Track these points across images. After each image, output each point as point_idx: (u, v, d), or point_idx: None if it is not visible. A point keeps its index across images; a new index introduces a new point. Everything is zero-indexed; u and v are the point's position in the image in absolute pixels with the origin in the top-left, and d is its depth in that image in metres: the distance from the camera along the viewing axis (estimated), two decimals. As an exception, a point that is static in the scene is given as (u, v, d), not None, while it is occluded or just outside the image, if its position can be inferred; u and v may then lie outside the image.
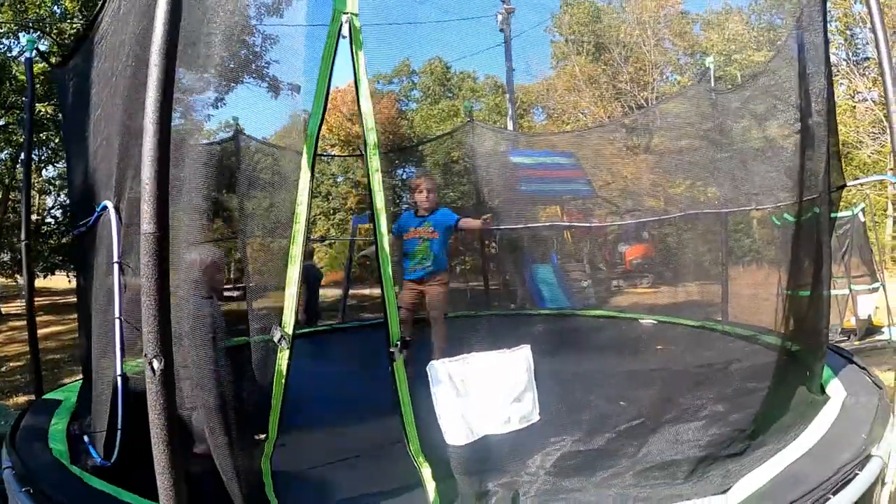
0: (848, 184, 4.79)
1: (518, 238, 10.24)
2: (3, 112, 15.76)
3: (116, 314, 3.35)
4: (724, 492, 2.88)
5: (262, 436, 3.07)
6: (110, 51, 3.83)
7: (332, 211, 31.31)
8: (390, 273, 3.03)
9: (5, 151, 18.81)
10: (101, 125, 3.96)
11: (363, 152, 3.04)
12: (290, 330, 2.94)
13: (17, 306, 23.07)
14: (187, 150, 2.90)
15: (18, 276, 23.86)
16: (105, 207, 3.53)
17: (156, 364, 1.98)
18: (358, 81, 2.98)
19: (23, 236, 5.62)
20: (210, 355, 2.80)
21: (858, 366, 4.57)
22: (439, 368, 3.15)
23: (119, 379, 3.34)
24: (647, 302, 11.20)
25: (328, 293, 18.16)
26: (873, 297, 9.55)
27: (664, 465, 3.11)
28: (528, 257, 11.02)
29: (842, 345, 7.06)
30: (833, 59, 23.80)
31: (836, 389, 4.10)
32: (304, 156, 3.04)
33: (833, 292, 8.67)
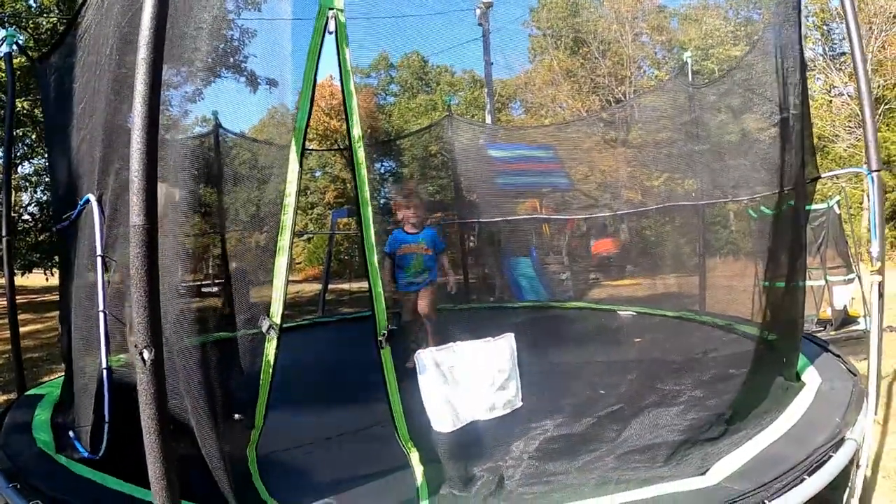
0: (822, 175, 4.88)
1: (497, 231, 10.29)
2: (-24, 107, 15.54)
3: (100, 308, 3.35)
4: (703, 473, 2.96)
5: (239, 416, 3.10)
6: (94, 45, 3.82)
7: (310, 206, 31.26)
8: (376, 262, 3.08)
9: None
10: (84, 119, 3.95)
11: (348, 146, 3.09)
12: (277, 319, 2.98)
13: (-7, 305, 22.76)
14: (165, 144, 2.93)
15: (-6, 275, 23.56)
16: (88, 201, 3.53)
17: (146, 354, 2.00)
18: (344, 76, 3.03)
19: (3, 231, 5.59)
20: (197, 345, 2.83)
21: (833, 354, 4.67)
22: (426, 356, 3.21)
23: (105, 372, 3.34)
24: (623, 294, 11.24)
25: (307, 288, 18.11)
26: (849, 289, 9.66)
27: (644, 449, 3.18)
28: (507, 250, 11.05)
29: (818, 335, 7.16)
30: (810, 53, 24.11)
31: (811, 376, 4.20)
32: (293, 149, 3.08)
33: (809, 283, 8.79)
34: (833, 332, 8.90)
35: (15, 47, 5.58)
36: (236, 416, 3.07)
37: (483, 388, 3.32)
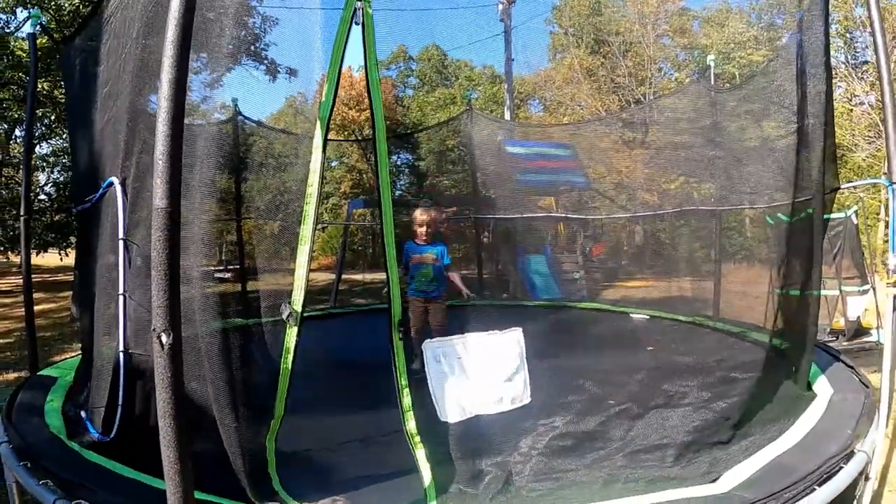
0: (842, 187, 4.85)
1: (512, 228, 10.28)
2: (-2, 88, 15.67)
3: (120, 290, 3.37)
4: (714, 480, 2.95)
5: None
6: (119, 29, 3.84)
7: (325, 195, 31.27)
8: (394, 253, 3.11)
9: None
10: (108, 103, 3.97)
11: (372, 137, 3.11)
12: (299, 308, 2.99)
13: (7, 283, 23.02)
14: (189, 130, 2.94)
15: (10, 254, 23.81)
16: (111, 184, 3.54)
17: (164, 338, 2.00)
18: (370, 68, 3.04)
19: (22, 210, 5.63)
20: (220, 333, 2.84)
21: (846, 365, 4.64)
22: (433, 347, 3.23)
23: (122, 356, 3.36)
24: (636, 296, 11.18)
25: (319, 277, 18.15)
26: (863, 300, 9.58)
27: (653, 448, 3.19)
28: (522, 247, 11.03)
29: (830, 345, 7.11)
30: (832, 61, 23.85)
31: (823, 387, 4.18)
32: (317, 138, 3.09)
33: (823, 293, 8.73)
34: (846, 343, 8.84)
35: (38, 28, 5.60)
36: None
37: (490, 379, 3.35)
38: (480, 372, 3.33)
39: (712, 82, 8.52)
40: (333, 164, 31.29)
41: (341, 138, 27.81)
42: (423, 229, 6.05)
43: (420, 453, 3.06)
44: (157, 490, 2.75)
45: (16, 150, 20.87)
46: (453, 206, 11.98)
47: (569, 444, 3.25)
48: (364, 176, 30.27)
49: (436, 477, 3.00)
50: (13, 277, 24.75)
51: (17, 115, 16.31)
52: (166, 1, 2.06)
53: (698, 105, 8.45)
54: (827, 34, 4.19)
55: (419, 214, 6.14)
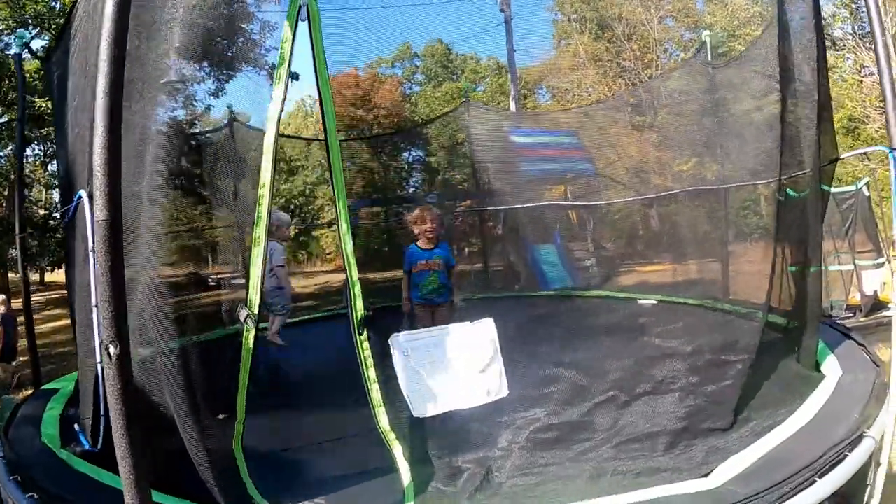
0: (842, 157, 4.70)
1: (520, 219, 10.18)
2: (4, 109, 15.80)
3: (93, 303, 3.35)
4: (707, 474, 2.81)
5: (223, 416, 3.08)
6: (83, 43, 3.85)
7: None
8: (351, 251, 3.07)
9: (8, 148, 18.89)
10: (77, 116, 3.98)
11: (324, 138, 3.10)
12: (255, 310, 2.96)
13: (22, 301, 23.38)
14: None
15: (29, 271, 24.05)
16: (80, 197, 3.53)
17: (112, 349, 1.97)
18: (318, 66, 3.04)
19: (17, 229, 5.69)
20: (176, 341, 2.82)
21: (857, 342, 4.46)
22: (400, 341, 3.19)
23: (99, 367, 3.34)
24: (642, 281, 11.02)
25: (336, 278, 18.19)
26: (880, 273, 9.41)
27: (643, 438, 3.08)
28: (530, 238, 10.92)
29: (847, 321, 6.94)
30: (839, 32, 23.56)
31: (832, 367, 4.00)
32: (268, 138, 3.06)
33: (838, 268, 8.59)
34: (863, 319, 8.72)
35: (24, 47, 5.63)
36: (220, 416, 3.04)
37: (462, 372, 3.30)
38: (451, 365, 3.29)
39: (709, 58, 8.35)
40: (346, 164, 31.37)
41: (348, 137, 27.90)
42: (430, 227, 5.73)
43: (397, 451, 3.02)
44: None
45: (26, 171, 21.09)
46: (467, 200, 11.95)
47: (552, 436, 3.16)
48: (375, 175, 30.33)
49: (414, 479, 2.94)
50: (33, 295, 25.07)
51: (25, 135, 16.44)
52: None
53: (695, 82, 8.31)
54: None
55: (423, 214, 5.82)
